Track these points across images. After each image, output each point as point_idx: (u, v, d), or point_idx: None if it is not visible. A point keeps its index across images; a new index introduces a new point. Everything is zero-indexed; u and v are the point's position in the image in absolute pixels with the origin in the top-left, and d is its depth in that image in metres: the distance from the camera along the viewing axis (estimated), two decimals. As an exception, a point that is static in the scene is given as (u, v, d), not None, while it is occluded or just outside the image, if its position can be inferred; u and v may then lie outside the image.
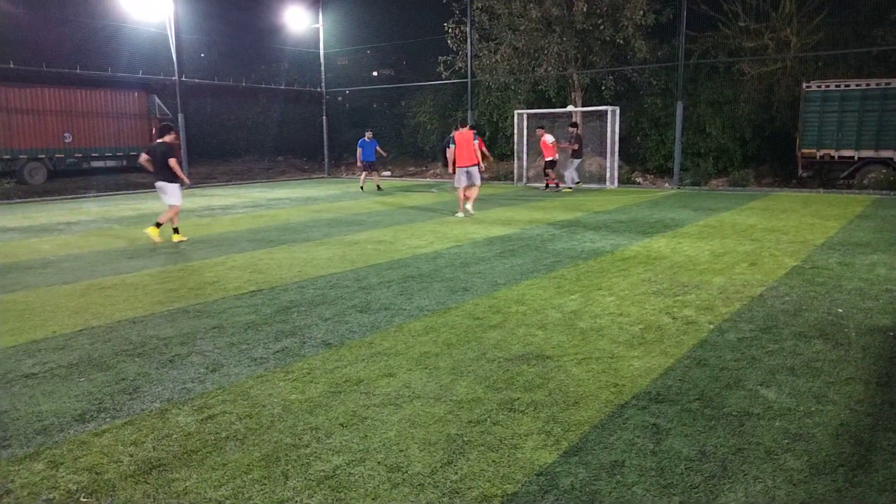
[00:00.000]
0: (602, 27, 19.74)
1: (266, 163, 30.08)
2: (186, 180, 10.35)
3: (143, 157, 10.01)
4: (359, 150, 18.79)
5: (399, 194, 17.80)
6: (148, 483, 3.00)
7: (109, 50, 24.30)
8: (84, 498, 2.88)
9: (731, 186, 18.57)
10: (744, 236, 9.67)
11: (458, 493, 2.88)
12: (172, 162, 9.78)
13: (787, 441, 3.32)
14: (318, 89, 27.20)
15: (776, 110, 19.67)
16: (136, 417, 3.71)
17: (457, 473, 3.04)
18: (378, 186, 19.34)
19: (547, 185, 18.26)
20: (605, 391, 3.98)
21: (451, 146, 12.65)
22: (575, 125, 18.51)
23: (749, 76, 20.16)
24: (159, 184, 9.95)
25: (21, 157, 21.82)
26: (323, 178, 26.44)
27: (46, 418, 3.72)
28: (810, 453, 3.19)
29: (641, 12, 19.16)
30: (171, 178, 9.87)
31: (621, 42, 19.78)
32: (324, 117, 27.14)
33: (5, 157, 21.43)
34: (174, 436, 3.47)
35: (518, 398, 3.89)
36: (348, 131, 29.62)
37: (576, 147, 17.45)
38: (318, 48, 26.74)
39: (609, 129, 18.91)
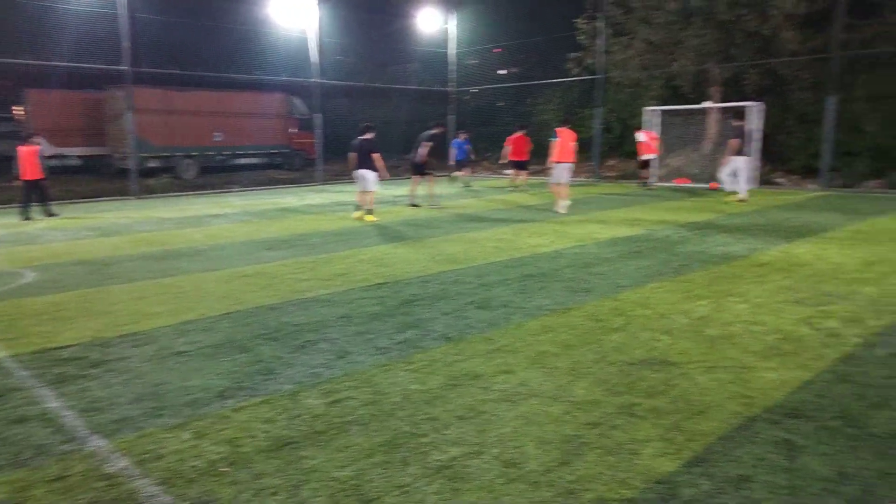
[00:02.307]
0: (747, 18, 18.54)
1: (395, 160, 31.03)
2: (386, 174, 12.06)
3: (351, 155, 11.80)
4: (453, 149, 19.47)
5: (519, 193, 17.73)
6: (280, 458, 3.22)
7: (256, 54, 26.09)
8: (223, 468, 3.15)
9: (889, 189, 16.86)
10: (902, 243, 8.78)
11: (573, 493, 2.86)
12: (376, 156, 11.65)
13: (944, 471, 3.00)
14: (446, 88, 27.69)
15: (947, 105, 17.61)
16: (270, 397, 3.99)
17: (573, 474, 3.02)
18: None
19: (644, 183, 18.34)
20: (734, 402, 3.78)
21: (554, 139, 13.03)
22: (740, 116, 15.31)
23: (916, 68, 18.17)
24: (361, 171, 11.71)
25: (178, 154, 24.02)
26: (447, 175, 26.84)
27: (194, 392, 4.08)
28: (973, 486, 2.87)
29: (793, 0, 17.76)
30: (372, 167, 11.60)
31: (768, 33, 18.48)
32: (451, 116, 27.59)
33: (164, 154, 23.67)
34: (304, 416, 3.70)
35: (639, 403, 3.78)
36: (474, 130, 29.93)
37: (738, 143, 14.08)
38: (448, 48, 27.22)
39: (752, 127, 17.75)
